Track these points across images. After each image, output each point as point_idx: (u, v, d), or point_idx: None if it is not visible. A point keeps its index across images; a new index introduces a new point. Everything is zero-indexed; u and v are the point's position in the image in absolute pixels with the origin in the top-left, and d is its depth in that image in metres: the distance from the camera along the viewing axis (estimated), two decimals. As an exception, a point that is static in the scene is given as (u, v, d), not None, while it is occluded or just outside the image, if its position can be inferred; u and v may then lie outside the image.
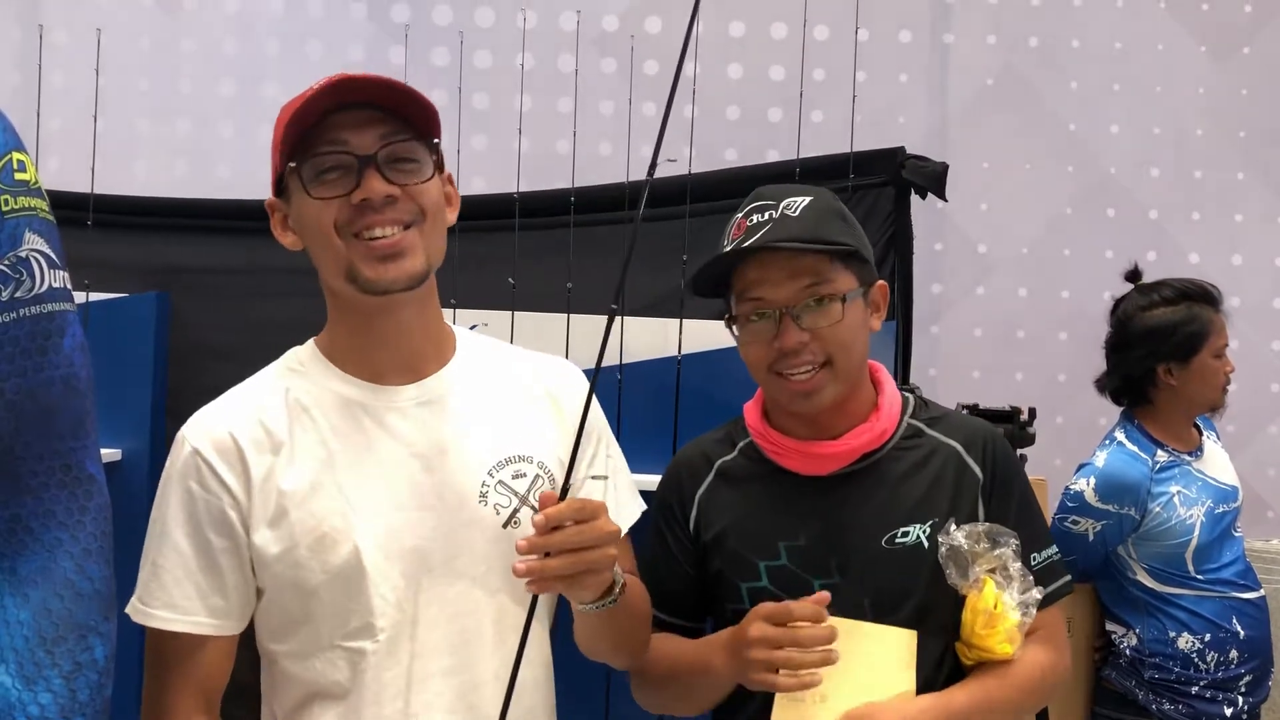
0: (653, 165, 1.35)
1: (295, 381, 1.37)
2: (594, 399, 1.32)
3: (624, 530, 1.46)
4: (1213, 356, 2.52)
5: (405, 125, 1.31)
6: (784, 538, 1.54)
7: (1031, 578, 1.51)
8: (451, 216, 1.40)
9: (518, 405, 1.42)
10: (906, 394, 1.65)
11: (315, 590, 1.30)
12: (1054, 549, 1.61)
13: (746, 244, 1.49)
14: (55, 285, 1.09)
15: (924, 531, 1.52)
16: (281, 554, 1.30)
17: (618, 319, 1.29)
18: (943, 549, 1.49)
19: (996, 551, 1.49)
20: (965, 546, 1.49)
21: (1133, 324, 2.57)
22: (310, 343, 1.41)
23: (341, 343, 1.37)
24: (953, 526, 1.50)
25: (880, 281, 1.59)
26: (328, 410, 1.34)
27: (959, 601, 1.51)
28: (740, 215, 1.55)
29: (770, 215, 1.51)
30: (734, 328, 1.57)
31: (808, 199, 1.53)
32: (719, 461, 1.63)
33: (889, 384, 1.62)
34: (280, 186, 1.35)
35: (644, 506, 1.56)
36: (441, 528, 1.33)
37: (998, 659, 1.50)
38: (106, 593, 1.13)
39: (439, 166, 1.36)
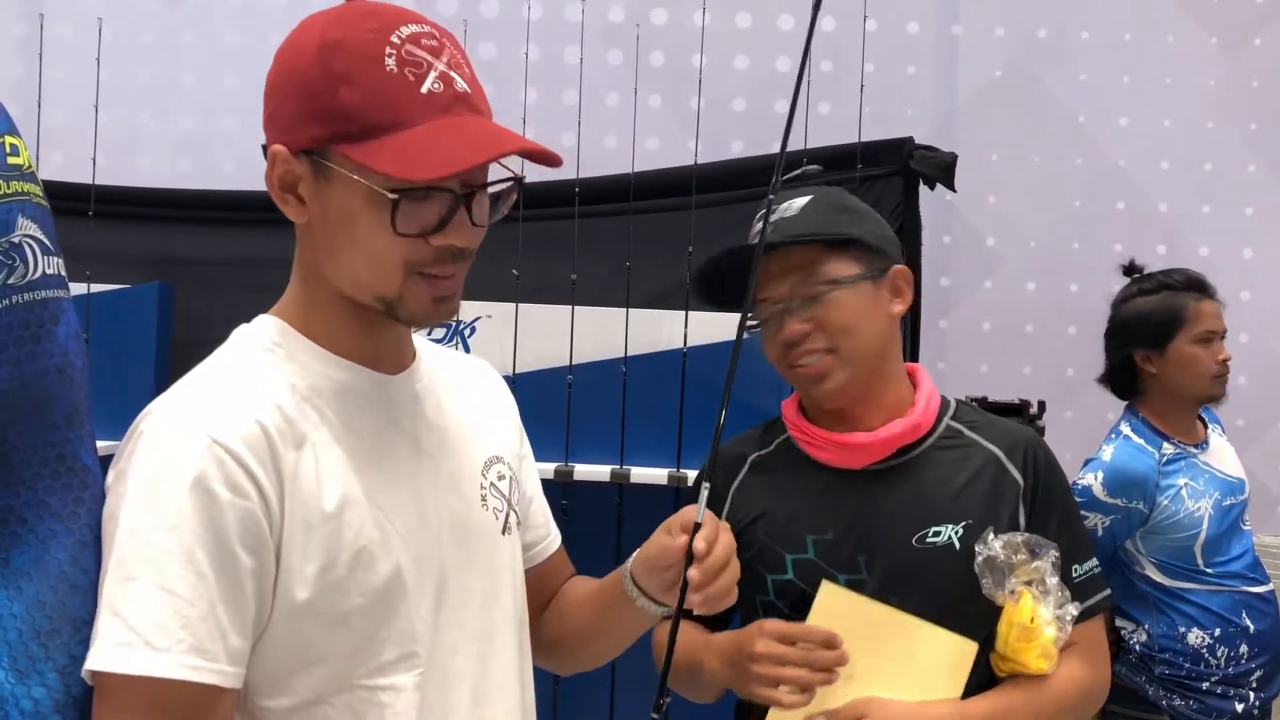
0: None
1: (284, 366, 1.12)
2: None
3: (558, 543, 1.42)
4: (1192, 344, 2.50)
5: None
6: (812, 531, 1.53)
7: (1068, 592, 1.48)
8: None
9: (478, 401, 1.30)
10: (950, 398, 1.63)
11: (346, 618, 1.08)
12: (1094, 561, 1.58)
13: (727, 249, 1.53)
14: (49, 272, 1.06)
15: (956, 533, 1.49)
16: (318, 573, 1.06)
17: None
18: (979, 558, 1.46)
19: (1035, 564, 1.45)
20: (1002, 557, 1.45)
21: (1115, 314, 2.61)
22: (275, 320, 1.16)
23: (327, 325, 1.14)
24: (990, 535, 1.46)
25: (899, 266, 1.58)
26: (330, 401, 1.12)
27: (991, 610, 1.48)
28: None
29: (767, 222, 1.51)
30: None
31: (806, 199, 1.56)
32: (753, 456, 1.63)
33: (927, 383, 1.61)
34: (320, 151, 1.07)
35: None
36: (458, 535, 1.18)
37: (1032, 674, 1.47)
38: (102, 585, 1.10)
39: None
